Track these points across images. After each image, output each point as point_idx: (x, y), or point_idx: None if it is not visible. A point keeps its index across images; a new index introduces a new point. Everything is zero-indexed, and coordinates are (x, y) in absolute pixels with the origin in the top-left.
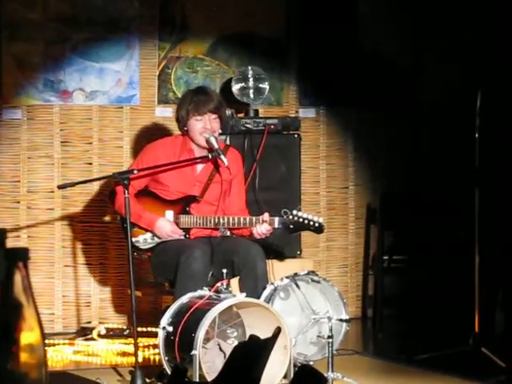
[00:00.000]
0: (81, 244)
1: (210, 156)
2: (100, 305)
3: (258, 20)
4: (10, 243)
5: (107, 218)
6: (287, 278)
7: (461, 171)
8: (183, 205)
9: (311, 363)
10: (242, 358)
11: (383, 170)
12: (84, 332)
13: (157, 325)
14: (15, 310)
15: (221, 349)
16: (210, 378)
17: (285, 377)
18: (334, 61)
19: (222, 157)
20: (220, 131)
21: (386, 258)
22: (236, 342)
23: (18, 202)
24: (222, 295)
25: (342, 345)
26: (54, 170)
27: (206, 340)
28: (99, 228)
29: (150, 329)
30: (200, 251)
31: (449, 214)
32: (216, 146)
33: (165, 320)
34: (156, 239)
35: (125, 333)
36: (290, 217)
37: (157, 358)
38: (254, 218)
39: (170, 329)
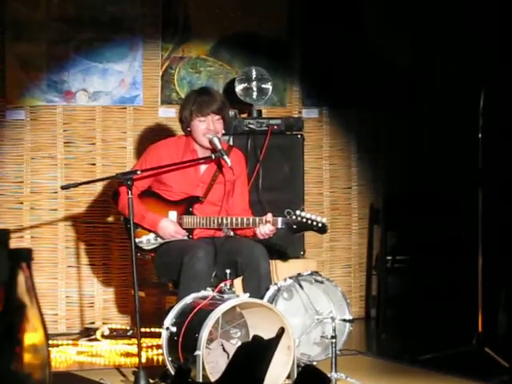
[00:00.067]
0: (84, 244)
1: (214, 156)
2: (103, 305)
3: (261, 20)
4: (14, 244)
5: (111, 219)
6: (290, 278)
7: (463, 172)
8: (186, 205)
9: (315, 363)
10: (246, 359)
11: (386, 171)
12: (87, 332)
13: (160, 325)
14: (19, 310)
15: (224, 349)
16: (213, 379)
17: (288, 377)
18: (337, 61)
19: (226, 157)
20: (223, 132)
21: (389, 258)
22: (239, 343)
23: (22, 203)
24: (226, 295)
25: (345, 345)
26: (58, 170)
27: (210, 340)
28: (103, 228)
29: (153, 329)
30: (203, 252)
31: (452, 214)
32: (219, 146)
33: (168, 320)
34: (159, 240)
35: (128, 333)
36: (294, 217)
37: (160, 358)
38: (257, 219)
39: (174, 329)
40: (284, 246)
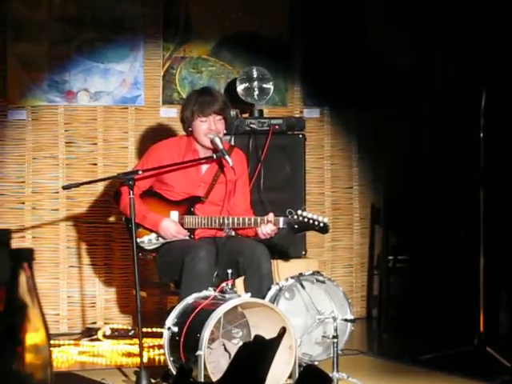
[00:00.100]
0: (86, 244)
1: (215, 156)
2: (105, 305)
3: (262, 20)
4: (15, 244)
5: (112, 219)
6: (292, 278)
7: (464, 171)
8: (188, 205)
9: (316, 363)
10: (247, 358)
11: (387, 170)
12: (89, 332)
13: (162, 325)
14: (20, 310)
15: (226, 349)
16: (215, 379)
17: (290, 377)
18: (338, 61)
19: (227, 157)
20: (225, 131)
21: (390, 258)
22: (241, 343)
23: (23, 203)
24: (227, 295)
25: (346, 345)
26: (59, 170)
27: (211, 340)
28: (104, 228)
29: (155, 329)
30: (205, 251)
31: (453, 214)
32: (221, 146)
33: (170, 320)
34: (161, 240)
35: (130, 333)
36: (295, 217)
37: (162, 358)
38: (258, 218)
39: (175, 329)
40: (285, 246)
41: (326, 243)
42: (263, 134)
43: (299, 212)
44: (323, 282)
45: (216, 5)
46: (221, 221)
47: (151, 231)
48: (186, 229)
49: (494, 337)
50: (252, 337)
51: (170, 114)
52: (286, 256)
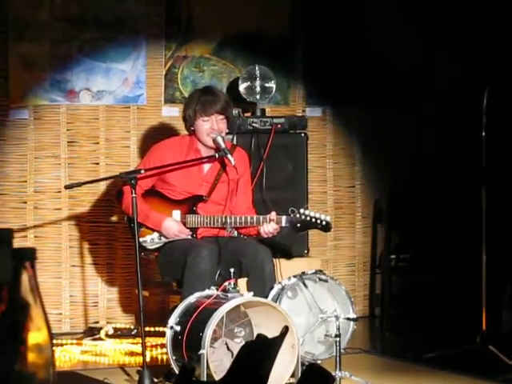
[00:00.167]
0: (88, 244)
1: (217, 155)
2: (107, 305)
3: (264, 19)
4: (17, 243)
5: (114, 218)
6: (295, 277)
7: (466, 170)
8: (190, 204)
9: (319, 362)
10: (250, 357)
11: (390, 169)
12: (92, 332)
13: (164, 324)
14: (22, 309)
15: (228, 348)
16: (217, 377)
17: (292, 376)
18: (340, 59)
19: (229, 156)
20: (227, 131)
21: (393, 256)
22: (243, 342)
23: (25, 202)
24: (230, 294)
25: (349, 344)
26: (61, 169)
27: (214, 339)
28: (106, 228)
29: (157, 328)
30: (207, 251)
31: (455, 212)
32: (223, 145)
33: (172, 319)
34: (163, 239)
35: (132, 332)
36: (298, 215)
37: (164, 357)
38: (261, 217)
39: (178, 328)
40: (288, 245)
41: (328, 242)
42: (265, 133)
43: (301, 211)
44: (326, 281)
45: (218, 4)
46: (223, 220)
47: (153, 230)
48: (188, 228)
49: (496, 335)
50: (254, 336)
51: (172, 113)
52: (288, 255)
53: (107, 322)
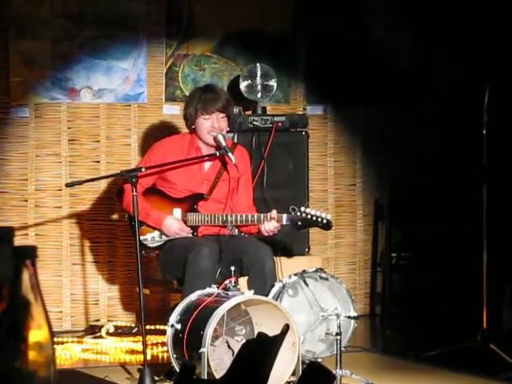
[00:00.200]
0: (89, 242)
1: (218, 154)
2: (108, 303)
3: (265, 17)
4: (18, 241)
5: (115, 216)
6: (295, 275)
7: (468, 169)
8: (191, 203)
9: (319, 360)
10: (251, 356)
11: (391, 167)
12: (92, 330)
13: (165, 323)
14: (23, 308)
15: (229, 346)
16: (218, 376)
17: (293, 374)
18: (341, 58)
19: (230, 154)
20: (227, 129)
21: (394, 255)
22: (244, 340)
23: (26, 200)
24: (231, 293)
25: (350, 342)
26: (62, 168)
27: (215, 337)
28: (107, 226)
29: (158, 327)
30: (208, 249)
31: (457, 210)
32: (224, 143)
33: (173, 318)
34: (164, 237)
35: (133, 331)
36: (298, 213)
37: (165, 355)
38: (261, 215)
39: (179, 326)
40: (289, 243)
41: (329, 240)
42: (266, 132)
43: (302, 209)
44: (326, 279)
45: (219, 2)
46: (224, 218)
47: (154, 229)
48: (189, 226)
49: (497, 333)
50: (255, 334)
51: (172, 112)
52: (289, 253)
53: (108, 320)
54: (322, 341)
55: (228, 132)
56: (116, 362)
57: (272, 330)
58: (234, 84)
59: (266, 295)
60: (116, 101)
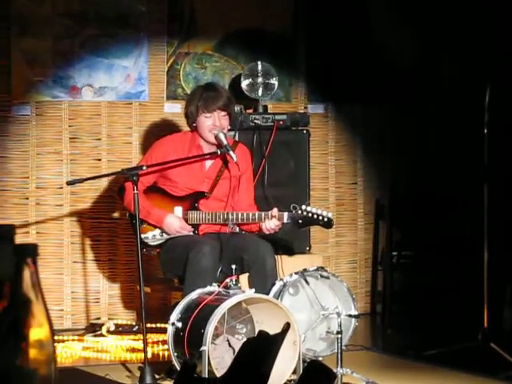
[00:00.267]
0: (90, 240)
1: (219, 152)
2: (109, 301)
3: (266, 16)
4: (19, 239)
5: (116, 215)
6: (296, 273)
7: (469, 168)
8: (192, 201)
9: (320, 359)
10: (251, 354)
11: (392, 166)
12: (93, 328)
13: (166, 321)
14: (24, 306)
15: (230, 344)
16: (219, 374)
17: (294, 372)
18: (342, 56)
19: (231, 153)
20: (229, 127)
21: (394, 253)
22: (245, 338)
23: (27, 198)
24: (231, 291)
25: (351, 340)
26: (63, 166)
27: (215, 336)
28: (108, 224)
29: (159, 325)
30: (209, 247)
31: (458, 210)
32: (225, 142)
33: (174, 316)
34: (165, 235)
35: (134, 329)
36: (299, 212)
37: (166, 353)
38: (262, 214)
39: (179, 325)
40: (290, 241)
41: (330, 239)
42: (267, 130)
43: (303, 207)
44: (327, 278)
45: (220, 0)
46: (225, 216)
47: (155, 227)
48: (190, 224)
49: (498, 332)
50: (256, 332)
51: (174, 110)
52: (290, 251)
53: (109, 319)
54: (322, 339)
55: (229, 130)
56: (117, 360)
57: (273, 329)
58: (235, 82)
59: (267, 293)
60: (117, 99)
